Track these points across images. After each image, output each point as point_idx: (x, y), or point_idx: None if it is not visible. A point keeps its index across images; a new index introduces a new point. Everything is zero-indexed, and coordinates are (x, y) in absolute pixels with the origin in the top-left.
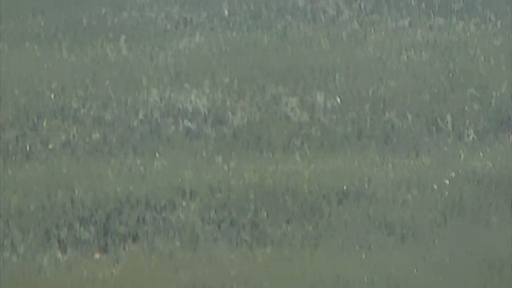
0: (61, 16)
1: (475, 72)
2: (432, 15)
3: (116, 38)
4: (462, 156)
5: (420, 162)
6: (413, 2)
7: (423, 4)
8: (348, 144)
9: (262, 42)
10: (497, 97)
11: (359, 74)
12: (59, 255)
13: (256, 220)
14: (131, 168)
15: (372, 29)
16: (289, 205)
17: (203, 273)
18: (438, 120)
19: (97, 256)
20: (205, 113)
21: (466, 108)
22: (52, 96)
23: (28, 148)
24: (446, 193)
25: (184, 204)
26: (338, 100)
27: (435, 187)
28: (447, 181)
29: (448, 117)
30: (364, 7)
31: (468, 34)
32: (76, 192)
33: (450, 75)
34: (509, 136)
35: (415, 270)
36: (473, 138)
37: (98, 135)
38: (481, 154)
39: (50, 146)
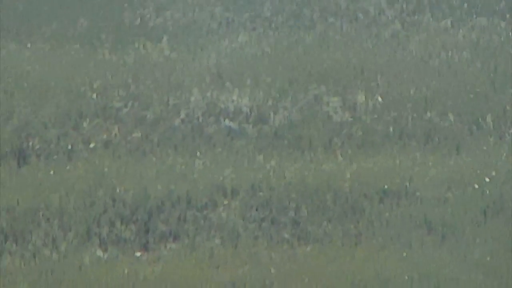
0: (103, 17)
1: None
2: (474, 15)
3: (158, 39)
4: (503, 155)
5: (461, 161)
6: (455, 2)
7: (465, 5)
8: (389, 143)
9: (304, 42)
10: None
11: (401, 74)
12: (100, 253)
13: (297, 219)
14: (172, 167)
15: (414, 29)
16: (330, 203)
17: (243, 271)
18: (479, 119)
19: (138, 254)
20: (247, 113)
21: (508, 107)
22: (94, 95)
23: (69, 147)
24: (487, 191)
25: (225, 202)
26: (380, 99)
27: (476, 186)
28: (487, 180)
29: (489, 117)
30: (406, 7)
31: (510, 34)
32: (118, 190)
33: (491, 75)
34: None
35: (455, 268)
36: None
37: (139, 134)
38: None
39: (92, 145)
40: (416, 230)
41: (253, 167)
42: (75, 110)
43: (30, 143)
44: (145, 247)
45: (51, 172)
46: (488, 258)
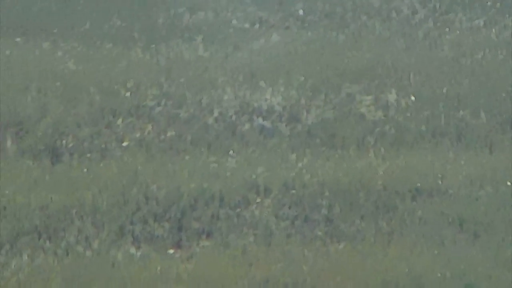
0: (137, 16)
1: None
2: (507, 15)
3: (192, 38)
4: None
5: (494, 159)
6: (488, 1)
7: (498, 4)
8: (422, 142)
9: (337, 41)
10: None
11: (434, 72)
12: (133, 250)
13: (330, 216)
14: (205, 165)
15: (447, 28)
16: (362, 201)
17: (276, 269)
18: None
19: (171, 251)
20: (279, 111)
21: None
22: (128, 94)
23: (103, 146)
24: None
25: (258, 200)
26: (413, 98)
27: (509, 183)
28: None
29: None
30: (439, 7)
31: None
32: (151, 188)
33: None
34: None
35: (487, 266)
36: None
37: (173, 133)
38: None
39: (125, 143)
40: (449, 228)
41: (286, 166)
42: (108, 109)
43: (64, 142)
44: (178, 245)
45: (85, 170)
46: None
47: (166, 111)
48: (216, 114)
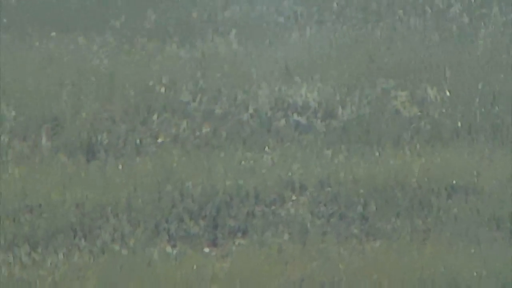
0: (172, 11)
1: None
2: None
3: (226, 32)
4: None
5: None
6: None
7: None
8: (457, 138)
9: (372, 36)
10: None
11: (469, 68)
12: (169, 248)
13: (366, 214)
14: (241, 162)
15: (482, 23)
16: (398, 199)
17: (312, 267)
18: None
19: (206, 249)
20: (315, 107)
21: None
22: (163, 90)
23: (138, 142)
24: None
25: (293, 198)
26: (448, 94)
27: None
28: None
29: None
30: (474, 1)
31: None
32: (186, 186)
33: None
34: None
35: None
36: None
37: (208, 129)
38: None
39: (160, 140)
40: (485, 225)
41: (321, 162)
42: (143, 105)
43: (99, 138)
44: (213, 243)
45: (120, 167)
46: None
47: (201, 107)
48: (251, 110)
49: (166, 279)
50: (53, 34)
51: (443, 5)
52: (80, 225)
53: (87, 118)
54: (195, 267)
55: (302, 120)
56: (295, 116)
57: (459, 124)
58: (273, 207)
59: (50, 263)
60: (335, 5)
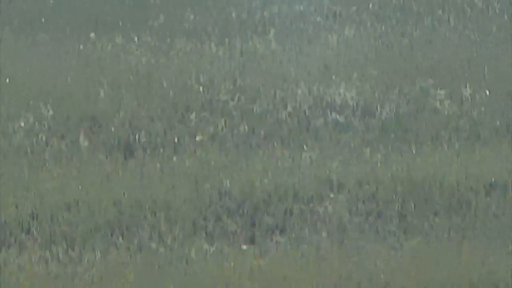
0: (210, 10)
1: None
2: None
3: (265, 32)
4: None
5: None
6: None
7: None
8: (497, 137)
9: (411, 35)
10: None
11: (509, 67)
12: (207, 246)
13: (404, 212)
14: (279, 160)
15: None
16: (436, 197)
17: (350, 265)
18: None
19: (244, 247)
20: (353, 106)
21: None
22: (201, 89)
23: (176, 141)
24: None
25: (331, 196)
26: (487, 92)
27: None
28: None
29: None
30: None
31: None
32: (224, 184)
33: None
34: None
35: None
36: None
37: (246, 128)
38: None
39: (198, 138)
40: None
41: (360, 161)
42: (181, 103)
43: (137, 136)
44: (251, 241)
45: (158, 165)
46: None
47: (240, 106)
48: (289, 108)
49: (203, 277)
50: (92, 34)
51: (482, 5)
52: (117, 223)
53: (125, 117)
54: (232, 264)
55: (340, 118)
56: (334, 115)
57: (498, 123)
58: (311, 205)
59: (87, 261)
60: (373, 4)
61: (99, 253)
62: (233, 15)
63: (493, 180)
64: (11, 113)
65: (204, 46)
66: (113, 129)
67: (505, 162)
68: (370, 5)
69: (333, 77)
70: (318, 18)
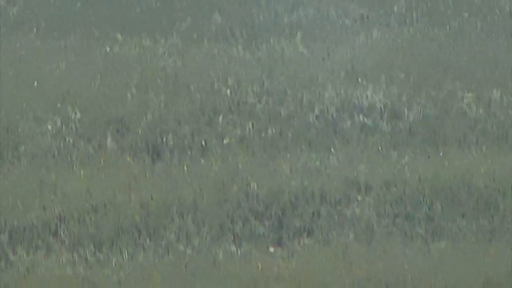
0: (237, 13)
1: None
2: None
3: (292, 35)
4: None
5: None
6: None
7: None
8: None
9: (439, 38)
10: None
11: None
12: (234, 248)
13: (431, 214)
14: (306, 163)
15: None
16: (464, 199)
17: (377, 267)
18: None
19: (272, 249)
20: (381, 108)
21: None
22: (228, 91)
23: (203, 143)
24: None
25: (359, 198)
26: None
27: None
28: None
29: None
30: None
31: None
32: (251, 186)
33: None
34: None
35: None
36: None
37: (273, 130)
38: None
39: (226, 141)
40: None
41: (387, 163)
42: (209, 106)
43: (164, 139)
44: (278, 243)
45: (185, 168)
46: None
47: (267, 109)
48: (317, 111)
49: (231, 279)
50: (119, 36)
51: (510, 8)
52: (145, 225)
53: (152, 120)
54: (260, 266)
55: (368, 121)
56: (361, 118)
57: None
58: (338, 207)
59: (115, 263)
60: (401, 8)
61: (126, 255)
62: (261, 17)
63: None
64: (38, 116)
65: (232, 49)
66: (140, 131)
67: None
68: (397, 8)
69: (360, 79)
70: (346, 21)
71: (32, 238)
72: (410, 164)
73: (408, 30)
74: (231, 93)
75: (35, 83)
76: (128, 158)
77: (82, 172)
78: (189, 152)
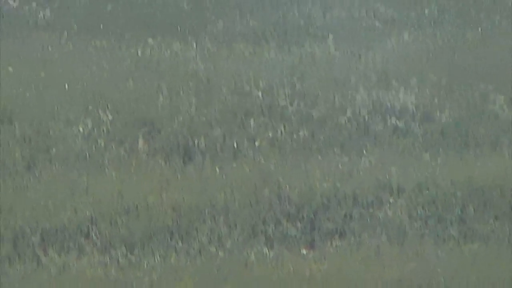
0: (269, 16)
1: None
2: None
3: (324, 37)
4: None
5: None
6: None
7: None
8: None
9: (470, 40)
10: None
11: None
12: (266, 250)
13: (464, 217)
14: (338, 165)
15: None
16: (496, 201)
17: (410, 269)
18: None
19: (304, 251)
20: (413, 111)
21: None
22: (260, 94)
23: (235, 146)
24: None
25: (391, 200)
26: None
27: None
28: None
29: None
30: None
31: None
32: (283, 188)
33: None
34: None
35: None
36: None
37: (305, 133)
38: None
39: (257, 143)
40: None
41: (419, 165)
42: (240, 109)
43: (196, 141)
44: (311, 245)
45: (217, 170)
46: None
47: (299, 111)
48: (349, 113)
49: (263, 281)
50: (150, 39)
51: None
52: (176, 227)
53: (184, 122)
54: (292, 268)
55: (400, 123)
56: (393, 120)
57: None
58: (370, 210)
59: (147, 265)
60: (432, 10)
61: (158, 257)
62: (293, 20)
63: None
64: (70, 119)
65: (263, 51)
66: (171, 134)
67: None
68: (429, 10)
69: (392, 81)
70: (377, 23)
71: (63, 240)
72: (442, 166)
73: (439, 32)
74: (262, 95)
75: (67, 86)
76: (159, 161)
77: (113, 174)
78: (220, 155)
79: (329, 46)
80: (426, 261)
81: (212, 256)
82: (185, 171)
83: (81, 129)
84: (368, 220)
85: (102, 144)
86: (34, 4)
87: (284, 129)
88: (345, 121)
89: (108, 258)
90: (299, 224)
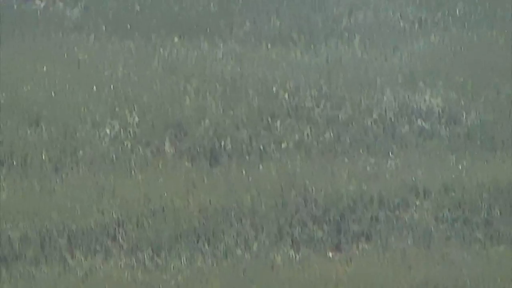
0: (296, 17)
1: None
2: None
3: (350, 39)
4: None
5: None
6: None
7: None
8: None
9: (498, 42)
10: None
11: None
12: (292, 253)
13: (490, 219)
14: (364, 167)
15: None
16: None
17: (436, 271)
18: None
19: (330, 254)
20: (439, 113)
21: None
22: (286, 96)
23: (261, 148)
24: None
25: (417, 203)
26: None
27: None
28: None
29: None
30: None
31: None
32: (310, 191)
33: None
34: None
35: None
36: None
37: (331, 135)
38: None
39: (284, 145)
40: None
41: (445, 167)
42: (267, 110)
43: (222, 144)
44: (337, 247)
45: (243, 173)
46: None
47: (325, 113)
48: (375, 115)
49: (289, 283)
50: (176, 40)
51: None
52: (203, 229)
53: (210, 124)
54: (318, 271)
55: (426, 125)
56: (419, 122)
57: None
58: (396, 212)
59: (173, 267)
60: (459, 11)
61: (184, 260)
62: (319, 21)
63: None
64: (97, 121)
65: (290, 53)
66: (198, 136)
67: None
68: (456, 12)
69: (419, 83)
70: (404, 25)
71: (90, 243)
72: (468, 169)
73: (466, 34)
74: (289, 97)
75: (94, 87)
76: (186, 163)
77: (140, 176)
78: (247, 157)
79: (355, 47)
80: (452, 263)
81: (238, 258)
82: (212, 174)
83: (108, 131)
84: (394, 222)
85: (129, 146)
86: (61, 5)
87: (310, 131)
88: (371, 123)
89: (134, 261)
90: (325, 227)
